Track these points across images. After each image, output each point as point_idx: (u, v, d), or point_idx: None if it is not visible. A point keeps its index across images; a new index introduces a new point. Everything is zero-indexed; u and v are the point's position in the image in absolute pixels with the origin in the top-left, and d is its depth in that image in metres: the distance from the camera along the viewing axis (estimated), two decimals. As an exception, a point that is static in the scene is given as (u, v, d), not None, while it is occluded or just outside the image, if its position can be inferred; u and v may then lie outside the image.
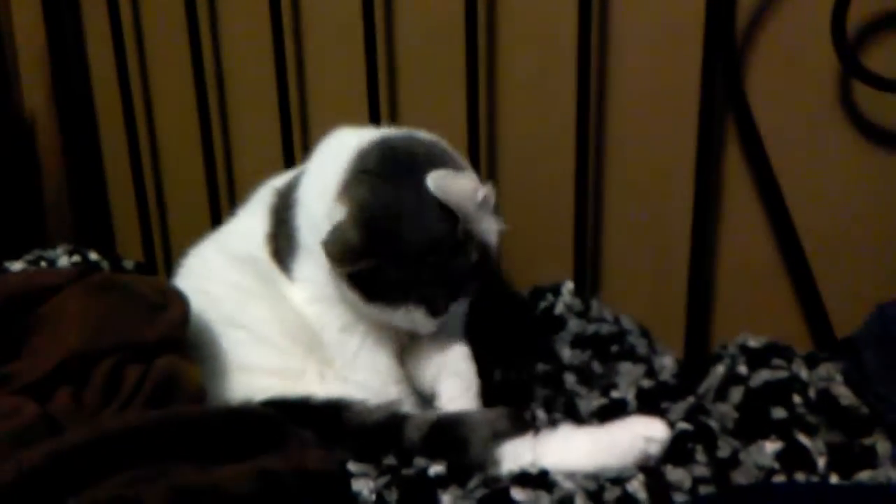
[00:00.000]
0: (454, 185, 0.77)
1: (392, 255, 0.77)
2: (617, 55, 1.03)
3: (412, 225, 0.77)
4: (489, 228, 0.81)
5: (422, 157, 0.81)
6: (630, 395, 0.90)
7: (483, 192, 0.78)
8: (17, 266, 1.15)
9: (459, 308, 0.85)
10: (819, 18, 0.89)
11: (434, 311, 0.80)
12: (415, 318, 0.80)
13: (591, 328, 1.02)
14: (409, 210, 0.78)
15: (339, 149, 0.85)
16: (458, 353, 0.88)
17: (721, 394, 0.82)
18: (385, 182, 0.79)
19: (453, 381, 0.86)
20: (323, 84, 1.22)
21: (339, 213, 0.78)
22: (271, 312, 0.88)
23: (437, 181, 0.76)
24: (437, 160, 0.80)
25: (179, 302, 0.83)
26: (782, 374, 0.80)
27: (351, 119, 1.14)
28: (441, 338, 0.87)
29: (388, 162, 0.81)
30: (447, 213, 0.77)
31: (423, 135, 0.87)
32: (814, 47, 0.92)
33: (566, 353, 1.00)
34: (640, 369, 0.95)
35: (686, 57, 0.97)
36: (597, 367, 0.98)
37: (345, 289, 0.81)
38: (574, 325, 1.03)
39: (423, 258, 0.78)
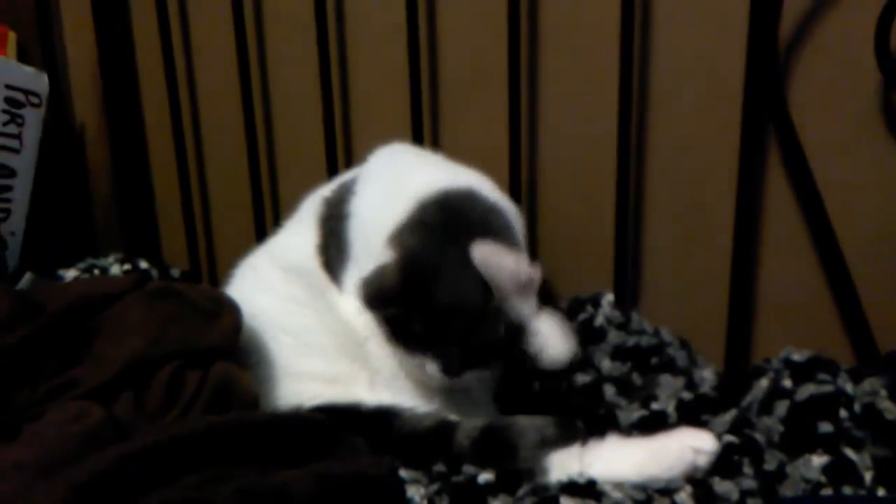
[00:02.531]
0: (498, 260, 0.77)
1: (421, 309, 0.78)
2: (659, 66, 1.04)
3: (448, 286, 0.78)
4: (528, 311, 0.81)
5: (478, 221, 0.82)
6: (670, 408, 0.91)
7: (526, 274, 0.78)
8: (70, 274, 1.19)
9: (478, 376, 0.83)
10: (863, 31, 0.90)
11: (446, 369, 0.80)
12: (428, 369, 0.81)
13: (631, 340, 1.03)
14: (450, 271, 0.79)
15: (401, 184, 0.87)
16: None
17: (766, 407, 0.82)
18: (437, 239, 0.81)
19: None
20: (366, 91, 1.24)
21: (387, 256, 0.80)
22: (321, 322, 0.89)
23: (482, 253, 0.77)
24: (492, 229, 0.81)
25: (232, 310, 0.85)
26: (828, 388, 0.81)
27: (393, 126, 1.17)
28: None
29: (445, 219, 0.82)
30: (485, 284, 0.77)
31: (487, 193, 0.87)
32: (857, 59, 0.92)
33: (606, 365, 1.01)
34: (680, 382, 0.96)
35: (729, 70, 0.98)
36: (636, 378, 0.99)
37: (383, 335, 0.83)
38: (614, 336, 1.03)
39: (450, 321, 0.78)
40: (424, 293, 0.78)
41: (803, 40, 0.96)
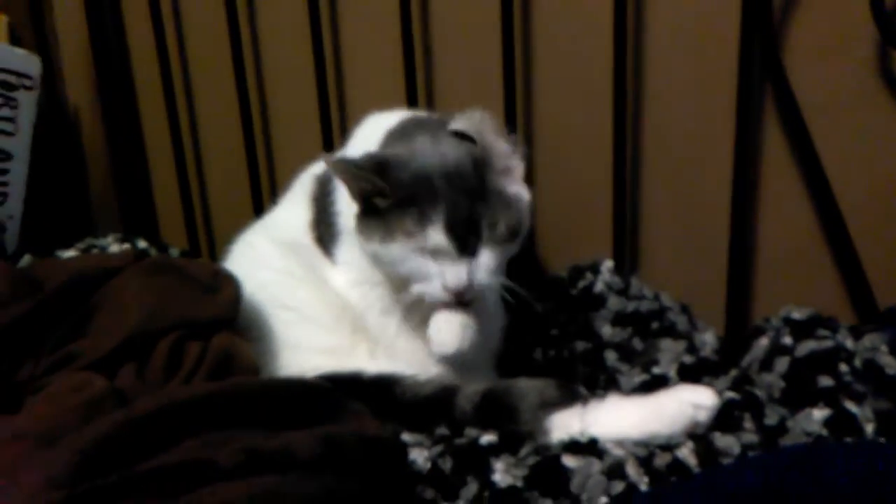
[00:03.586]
0: (483, 121, 0.79)
1: (402, 174, 0.77)
2: (655, 30, 1.03)
3: (425, 153, 0.79)
4: (517, 189, 0.82)
5: (443, 125, 0.83)
6: (671, 372, 0.91)
7: (508, 144, 0.80)
8: (69, 254, 1.19)
9: (486, 259, 0.78)
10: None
11: (456, 230, 0.75)
12: (437, 241, 0.76)
13: (631, 306, 1.03)
14: (424, 146, 0.80)
15: (370, 131, 0.89)
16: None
17: (766, 364, 0.82)
18: (405, 139, 0.83)
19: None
20: (360, 69, 1.24)
21: None
22: (318, 295, 0.90)
23: (467, 117, 0.79)
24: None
25: (231, 283, 0.86)
26: (828, 343, 0.81)
27: (388, 95, 1.17)
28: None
29: (411, 129, 0.84)
30: (461, 142, 0.79)
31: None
32: (852, 18, 0.92)
33: (606, 331, 1.01)
34: (680, 346, 0.96)
35: (724, 29, 0.98)
36: (637, 344, 0.99)
37: (370, 239, 0.79)
38: (614, 302, 1.04)
39: (436, 172, 0.77)
40: (405, 166, 0.78)
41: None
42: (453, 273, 0.77)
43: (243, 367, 0.79)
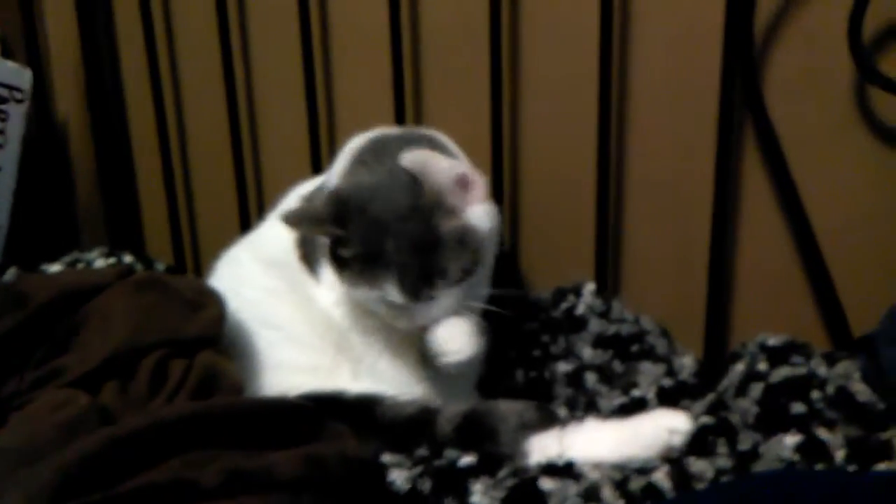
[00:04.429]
0: (427, 160, 0.79)
1: (359, 225, 0.80)
2: (638, 59, 1.05)
3: (378, 196, 0.80)
4: (478, 215, 0.83)
5: (407, 145, 0.83)
6: (651, 394, 0.92)
7: (461, 172, 0.81)
8: (55, 268, 1.19)
9: (445, 300, 0.82)
10: (836, 24, 0.92)
11: (407, 287, 0.79)
12: (390, 296, 0.80)
13: (612, 328, 1.04)
14: (380, 185, 0.81)
15: (347, 150, 0.90)
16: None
17: (741, 390, 0.84)
18: (366, 167, 0.84)
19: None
20: (350, 90, 1.25)
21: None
22: (302, 313, 0.91)
23: (410, 157, 0.79)
24: (424, 147, 0.83)
25: (216, 301, 0.86)
26: (801, 370, 0.82)
27: (377, 118, 1.18)
28: None
29: (376, 151, 0.86)
30: (416, 186, 0.79)
31: (425, 131, 0.91)
32: (830, 52, 0.94)
33: (587, 353, 1.02)
34: (660, 369, 0.97)
35: (705, 61, 1.00)
36: (618, 366, 1.01)
37: (342, 280, 0.84)
38: (595, 325, 1.05)
39: (388, 227, 0.79)
40: (358, 211, 0.80)
41: (778, 31, 0.98)
42: (414, 318, 0.82)
43: (227, 385, 0.79)
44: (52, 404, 0.68)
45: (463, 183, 0.81)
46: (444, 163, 0.80)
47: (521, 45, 1.12)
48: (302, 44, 1.18)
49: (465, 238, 0.81)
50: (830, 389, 0.81)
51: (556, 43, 1.10)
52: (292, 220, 0.83)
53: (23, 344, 0.75)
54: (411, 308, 0.81)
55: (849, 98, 0.96)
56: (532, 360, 1.03)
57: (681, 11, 1.02)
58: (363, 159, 0.86)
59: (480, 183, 0.83)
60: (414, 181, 0.79)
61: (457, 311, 0.83)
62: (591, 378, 1.00)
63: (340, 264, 0.83)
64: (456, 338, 0.83)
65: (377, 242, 0.79)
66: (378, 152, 0.86)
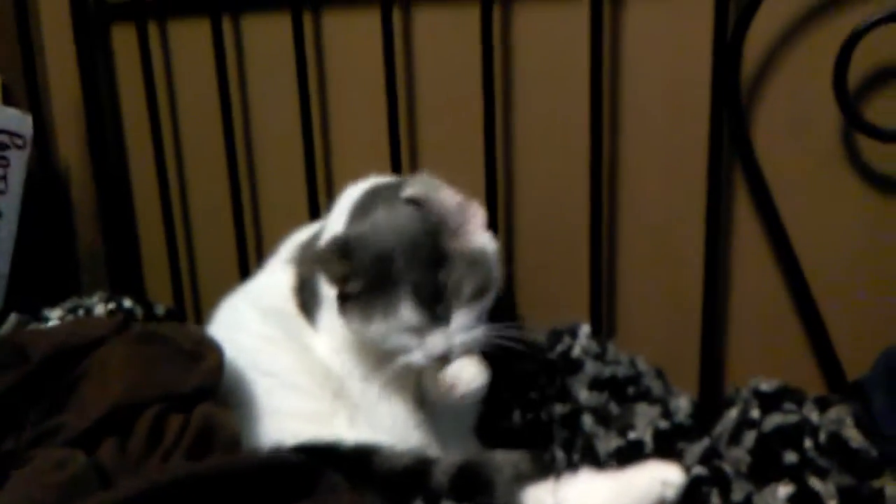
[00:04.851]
0: (430, 184, 0.81)
1: (364, 258, 0.80)
2: (629, 106, 1.08)
3: (380, 230, 0.82)
4: (480, 240, 0.84)
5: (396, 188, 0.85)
6: (647, 436, 0.93)
7: (460, 200, 0.82)
8: (55, 314, 1.20)
9: (460, 320, 0.81)
10: (822, 71, 0.93)
11: (422, 304, 0.79)
12: (408, 319, 0.79)
13: (608, 370, 1.05)
14: (381, 220, 0.83)
15: (342, 206, 0.92)
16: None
17: (734, 438, 0.84)
18: (364, 214, 0.86)
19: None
20: (347, 138, 1.27)
21: None
22: (299, 361, 0.91)
23: (413, 183, 0.80)
24: None
25: (214, 351, 0.87)
26: (793, 417, 0.83)
27: (373, 166, 1.20)
28: None
29: (373, 198, 0.87)
30: (419, 210, 0.81)
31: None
32: (817, 98, 0.96)
33: (584, 395, 1.03)
34: (656, 410, 0.97)
35: (694, 107, 1.01)
36: (614, 408, 1.01)
37: (352, 321, 0.83)
38: (591, 367, 1.05)
39: (395, 251, 0.79)
40: (363, 249, 0.81)
41: (766, 78, 1.00)
42: (432, 343, 0.81)
43: (224, 438, 0.80)
44: (51, 464, 0.68)
45: (465, 209, 0.83)
46: (446, 189, 0.82)
47: (513, 94, 1.14)
48: (300, 92, 1.20)
49: (475, 258, 0.82)
50: (823, 436, 0.81)
51: (548, 93, 1.12)
52: (302, 263, 0.84)
53: (22, 401, 0.76)
54: (428, 331, 0.80)
55: (835, 143, 0.98)
56: (529, 402, 1.03)
57: (670, 58, 1.04)
58: (361, 207, 0.88)
59: (480, 212, 0.85)
60: (417, 206, 0.81)
61: (474, 342, 0.82)
62: (587, 420, 1.00)
63: (348, 305, 0.83)
64: (467, 367, 0.83)
65: (385, 268, 0.80)
66: (375, 199, 0.87)
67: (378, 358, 0.87)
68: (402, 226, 0.81)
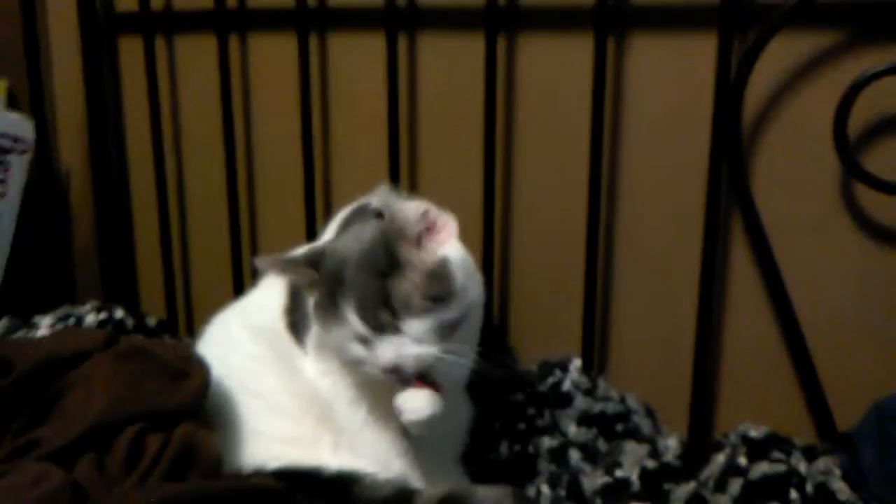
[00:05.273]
0: (393, 195, 0.80)
1: (327, 265, 0.81)
2: (628, 146, 1.08)
3: (348, 240, 0.82)
4: (449, 250, 0.81)
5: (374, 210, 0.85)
6: (634, 475, 0.92)
7: (427, 207, 0.81)
8: (46, 321, 1.19)
9: (412, 331, 0.78)
10: (822, 121, 0.93)
11: (366, 314, 0.77)
12: (355, 327, 0.78)
13: (598, 406, 1.04)
14: (352, 234, 0.83)
15: (336, 219, 0.93)
16: None
17: (720, 484, 0.83)
18: (347, 228, 0.86)
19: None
20: (347, 160, 1.27)
21: None
22: (286, 383, 0.91)
23: (379, 193, 0.80)
24: None
25: (200, 370, 0.86)
26: (781, 467, 0.82)
27: (372, 183, 1.20)
28: None
29: (359, 215, 0.88)
30: (376, 226, 0.80)
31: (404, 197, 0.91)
32: (816, 148, 0.96)
33: (572, 430, 1.02)
34: (644, 449, 0.97)
35: (694, 149, 1.02)
36: (602, 445, 1.00)
37: (320, 328, 0.83)
38: (581, 402, 1.05)
39: (349, 258, 0.79)
40: (329, 253, 0.81)
41: (766, 124, 1.00)
42: (379, 353, 0.78)
43: (205, 458, 0.79)
44: (27, 480, 0.68)
45: (430, 219, 0.81)
46: (409, 200, 0.81)
47: (514, 125, 1.14)
48: (302, 112, 1.21)
49: (434, 268, 0.79)
50: (809, 487, 0.81)
51: (549, 125, 1.12)
52: (266, 262, 0.82)
53: (2, 412, 0.76)
54: (375, 341, 0.78)
55: (834, 191, 0.98)
56: (517, 433, 1.02)
57: (672, 97, 1.04)
58: (345, 224, 0.88)
59: (451, 223, 0.83)
60: (378, 216, 0.80)
61: (433, 356, 0.78)
62: (574, 455, 1.00)
63: (316, 314, 0.83)
64: (416, 396, 0.80)
65: (339, 276, 0.79)
66: (357, 216, 0.88)
67: (364, 381, 0.86)
68: (361, 237, 0.81)
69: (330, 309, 0.80)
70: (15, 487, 0.66)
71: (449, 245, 0.82)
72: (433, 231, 0.81)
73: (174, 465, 0.75)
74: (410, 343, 0.77)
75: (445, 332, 0.79)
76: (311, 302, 0.88)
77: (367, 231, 0.81)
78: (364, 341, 0.79)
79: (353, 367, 0.83)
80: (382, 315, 0.77)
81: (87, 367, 0.81)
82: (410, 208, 0.80)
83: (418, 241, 0.80)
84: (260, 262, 0.82)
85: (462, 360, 0.81)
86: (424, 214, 0.80)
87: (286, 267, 0.82)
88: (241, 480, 0.80)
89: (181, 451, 0.76)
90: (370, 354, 0.79)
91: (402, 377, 0.78)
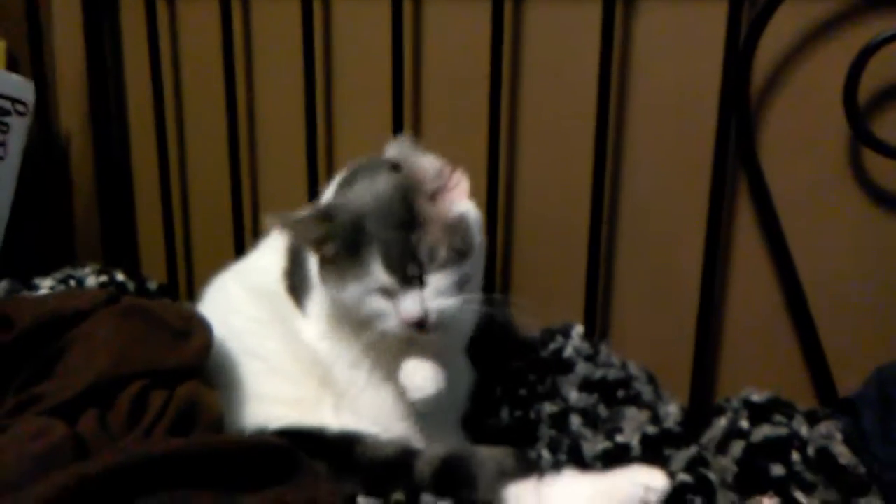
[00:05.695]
0: (410, 147, 0.79)
1: (342, 220, 0.79)
2: (635, 110, 1.07)
3: (360, 193, 0.81)
4: (461, 207, 0.82)
5: (386, 163, 0.84)
6: (634, 441, 0.92)
7: (440, 166, 0.80)
8: (46, 283, 1.19)
9: (436, 284, 0.78)
10: (831, 86, 0.92)
11: (393, 263, 0.77)
12: (380, 279, 0.77)
13: (599, 372, 1.04)
14: (362, 188, 0.81)
15: (335, 179, 0.91)
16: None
17: (722, 447, 0.83)
18: (350, 185, 0.84)
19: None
20: (350, 125, 1.26)
21: None
22: (287, 345, 0.91)
23: (395, 144, 0.79)
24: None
25: (203, 330, 0.86)
26: (782, 430, 0.82)
27: (375, 145, 1.19)
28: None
29: (359, 172, 0.86)
30: (396, 171, 0.79)
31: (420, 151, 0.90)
32: (826, 112, 0.95)
33: (573, 396, 1.02)
34: (645, 415, 0.97)
35: (702, 115, 1.01)
36: (603, 410, 1.00)
37: (328, 286, 0.81)
38: (582, 368, 1.05)
39: (370, 211, 0.78)
40: (341, 209, 0.79)
41: (775, 91, 0.99)
42: (405, 306, 0.78)
43: (208, 417, 0.79)
44: (29, 433, 0.67)
45: (445, 175, 0.81)
46: (426, 155, 0.80)
47: (520, 91, 1.13)
48: (305, 78, 1.20)
49: (453, 224, 0.80)
50: (811, 451, 0.81)
51: (555, 92, 1.11)
52: (276, 218, 0.80)
53: (4, 369, 0.76)
54: (400, 293, 0.77)
55: (842, 158, 0.97)
56: (518, 399, 1.02)
57: (680, 63, 1.03)
58: (346, 181, 0.87)
59: (464, 181, 0.83)
60: (395, 168, 0.79)
61: (450, 309, 0.79)
62: (575, 421, 0.99)
63: (325, 270, 0.82)
64: (419, 372, 0.81)
65: (358, 230, 0.78)
66: (360, 172, 0.86)
67: (361, 331, 0.85)
68: (377, 190, 0.80)
69: (348, 263, 0.79)
70: (17, 440, 0.66)
71: (462, 202, 0.82)
72: (447, 187, 0.81)
73: (177, 423, 0.75)
74: (433, 296, 0.78)
75: (463, 287, 0.80)
76: (313, 263, 0.87)
77: (382, 184, 0.80)
78: (387, 294, 0.79)
79: (361, 326, 0.82)
80: (410, 267, 0.77)
81: (89, 325, 0.80)
82: (428, 163, 0.80)
83: (433, 197, 0.80)
84: (269, 218, 0.80)
85: (474, 307, 0.82)
86: (441, 170, 0.80)
87: (296, 223, 0.80)
88: (246, 437, 0.80)
89: (184, 409, 0.76)
90: (393, 307, 0.78)
91: (424, 329, 0.79)
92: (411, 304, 0.77)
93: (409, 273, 0.77)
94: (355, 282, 0.79)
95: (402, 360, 0.84)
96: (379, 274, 0.78)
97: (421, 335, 0.79)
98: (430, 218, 0.79)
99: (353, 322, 0.84)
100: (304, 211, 0.82)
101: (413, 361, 0.83)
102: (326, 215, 0.80)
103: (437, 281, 0.78)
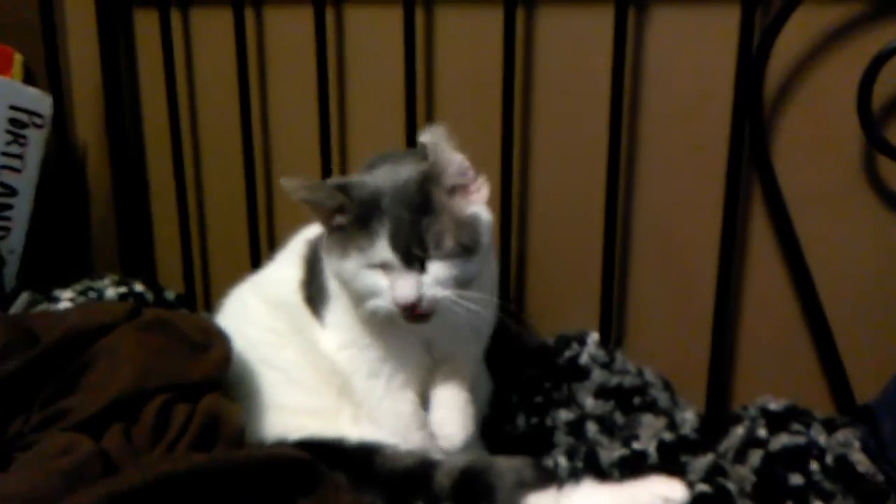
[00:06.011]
0: (444, 139, 0.79)
1: (360, 193, 0.79)
2: (648, 117, 1.07)
3: (382, 175, 0.81)
4: (476, 209, 0.82)
5: (405, 156, 0.84)
6: (651, 448, 0.92)
7: (466, 163, 0.81)
8: (66, 294, 1.20)
9: (436, 272, 0.78)
10: (845, 93, 0.92)
11: (398, 241, 0.77)
12: (382, 253, 0.78)
13: (615, 379, 1.04)
14: (383, 170, 0.82)
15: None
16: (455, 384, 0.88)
17: (740, 456, 0.84)
18: (369, 169, 0.84)
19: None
20: (364, 134, 1.27)
21: None
22: (304, 356, 0.91)
23: (431, 130, 0.79)
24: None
25: (222, 342, 0.87)
26: (800, 439, 0.82)
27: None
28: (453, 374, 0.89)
29: (378, 161, 0.85)
30: (414, 164, 0.80)
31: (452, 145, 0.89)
32: (839, 119, 0.95)
33: (589, 403, 1.03)
34: (661, 422, 0.97)
35: (716, 121, 1.01)
36: (619, 417, 1.01)
37: (331, 256, 0.82)
38: (598, 375, 1.05)
39: (387, 189, 0.79)
40: (361, 184, 0.80)
41: (788, 96, 0.99)
42: (401, 285, 0.77)
43: (230, 430, 0.80)
44: (56, 449, 0.69)
45: (469, 176, 0.82)
46: (456, 153, 0.81)
47: (533, 97, 1.13)
48: (318, 86, 1.20)
49: (464, 219, 0.80)
50: (829, 459, 0.81)
51: (568, 98, 1.11)
52: (294, 183, 0.80)
53: (30, 384, 0.77)
54: (399, 273, 0.78)
55: (856, 163, 0.97)
56: (534, 406, 1.03)
57: (693, 73, 1.03)
58: (371, 164, 0.86)
59: (485, 188, 0.83)
60: (422, 155, 0.80)
61: (450, 300, 0.78)
62: (592, 428, 1.00)
63: (332, 239, 0.82)
64: (450, 421, 0.84)
65: (373, 205, 0.78)
66: (381, 159, 0.86)
67: (383, 353, 0.86)
68: (399, 172, 0.80)
69: (355, 234, 0.79)
70: (45, 457, 0.67)
71: (478, 206, 0.82)
72: (468, 189, 0.82)
73: (200, 436, 0.76)
74: (431, 283, 0.78)
75: (463, 284, 0.80)
76: (330, 274, 0.88)
77: (405, 169, 0.80)
78: (386, 269, 0.79)
79: (359, 300, 0.82)
80: (414, 248, 0.77)
81: (112, 339, 0.82)
82: (455, 159, 0.80)
83: (451, 192, 0.81)
84: (287, 182, 0.80)
85: (476, 307, 0.80)
86: (466, 170, 0.81)
87: (316, 187, 0.80)
88: (268, 450, 0.81)
89: (207, 422, 0.77)
90: (389, 285, 0.78)
91: (413, 314, 0.78)
92: (408, 287, 0.77)
93: (411, 253, 0.77)
94: (358, 253, 0.79)
95: (422, 376, 0.86)
96: (382, 248, 0.78)
97: (409, 322, 0.79)
98: (444, 209, 0.79)
99: (353, 295, 0.83)
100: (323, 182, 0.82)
101: (443, 403, 0.84)
102: (345, 187, 0.80)
103: (438, 270, 0.78)
